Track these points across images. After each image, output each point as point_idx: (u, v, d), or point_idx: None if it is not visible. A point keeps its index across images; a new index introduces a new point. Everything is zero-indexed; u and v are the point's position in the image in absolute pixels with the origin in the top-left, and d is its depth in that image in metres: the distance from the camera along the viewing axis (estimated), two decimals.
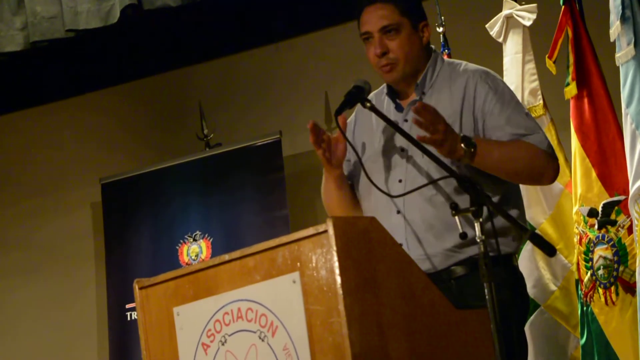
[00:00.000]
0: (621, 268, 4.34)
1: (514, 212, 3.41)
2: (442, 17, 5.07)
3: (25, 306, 6.68)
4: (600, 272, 4.39)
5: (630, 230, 4.31)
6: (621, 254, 4.35)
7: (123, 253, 6.17)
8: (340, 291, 2.76)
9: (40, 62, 6.41)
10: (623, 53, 4.18)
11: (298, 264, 2.86)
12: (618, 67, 4.23)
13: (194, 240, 6.02)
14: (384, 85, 3.60)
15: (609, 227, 4.40)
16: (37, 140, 6.87)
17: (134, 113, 6.72)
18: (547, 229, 4.68)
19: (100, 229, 6.38)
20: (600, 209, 4.42)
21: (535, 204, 4.69)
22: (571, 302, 4.63)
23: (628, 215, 4.27)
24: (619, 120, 4.40)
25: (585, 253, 4.45)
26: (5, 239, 6.80)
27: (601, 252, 4.40)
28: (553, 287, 4.67)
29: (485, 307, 2.96)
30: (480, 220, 3.02)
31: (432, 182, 3.30)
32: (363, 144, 3.56)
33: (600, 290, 4.38)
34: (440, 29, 5.06)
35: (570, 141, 4.59)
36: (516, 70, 4.83)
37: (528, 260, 4.66)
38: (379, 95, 3.61)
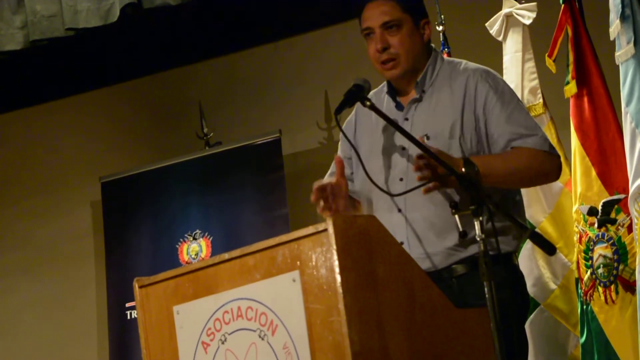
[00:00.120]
0: (621, 267, 4.34)
1: (513, 211, 3.42)
2: (442, 16, 5.08)
3: (26, 305, 6.68)
4: (600, 270, 4.39)
5: (630, 228, 4.30)
6: (621, 253, 4.35)
7: (123, 252, 6.18)
8: (340, 290, 2.76)
9: (40, 61, 6.40)
10: (623, 52, 4.18)
11: (298, 262, 2.86)
12: (618, 66, 4.22)
13: (194, 239, 6.02)
14: (384, 83, 3.60)
15: (608, 225, 4.40)
16: (36, 139, 6.87)
17: (134, 112, 6.72)
18: (547, 227, 4.68)
19: (100, 228, 6.39)
20: (600, 208, 4.42)
21: (535, 202, 4.69)
22: (571, 301, 4.63)
23: (628, 213, 4.27)
24: (618, 118, 4.40)
25: (585, 252, 4.45)
26: (5, 238, 6.80)
27: (601, 251, 4.40)
28: (553, 286, 4.67)
29: (485, 305, 2.96)
30: (480, 219, 3.02)
31: (433, 180, 3.30)
32: (364, 143, 3.56)
33: (600, 289, 4.38)
34: (440, 28, 5.06)
35: (570, 140, 4.59)
36: (516, 68, 4.83)
37: (528, 259, 4.66)
38: (378, 94, 3.61)
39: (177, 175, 6.11)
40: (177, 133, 6.53)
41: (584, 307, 4.44)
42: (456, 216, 3.12)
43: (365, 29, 3.49)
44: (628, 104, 4.16)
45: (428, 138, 3.35)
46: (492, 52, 4.99)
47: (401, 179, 3.42)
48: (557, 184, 4.69)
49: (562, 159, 4.59)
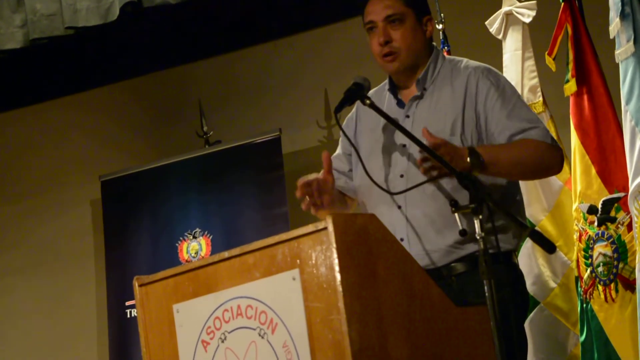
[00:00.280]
0: (621, 265, 4.34)
1: (513, 209, 3.42)
2: (442, 14, 5.07)
3: (25, 304, 6.68)
4: (600, 269, 4.39)
5: (629, 227, 4.30)
6: (621, 251, 4.35)
7: (123, 250, 6.17)
8: (340, 288, 2.76)
9: (39, 60, 6.40)
10: (622, 50, 4.17)
11: (298, 261, 2.86)
12: (618, 64, 4.22)
13: (194, 237, 6.02)
14: (385, 82, 3.60)
15: (608, 224, 4.40)
16: (36, 137, 6.87)
17: (134, 110, 6.72)
18: (546, 226, 4.68)
19: (99, 226, 6.38)
20: (600, 206, 4.42)
21: (535, 201, 4.69)
22: (571, 299, 4.63)
23: (628, 212, 4.27)
24: (618, 117, 4.40)
25: (585, 250, 4.45)
26: (5, 237, 6.80)
27: (601, 249, 4.40)
28: (553, 284, 4.67)
29: (485, 304, 2.96)
30: (480, 217, 3.02)
31: (433, 179, 3.30)
32: (365, 141, 3.56)
33: (600, 287, 4.38)
34: (440, 26, 5.06)
35: (570, 138, 4.59)
36: (516, 67, 4.83)
37: (528, 257, 4.66)
38: (380, 92, 3.61)
39: (177, 174, 6.11)
40: (176, 131, 6.53)
41: (584, 305, 4.44)
42: (456, 214, 3.12)
43: (368, 22, 3.50)
44: (628, 102, 4.16)
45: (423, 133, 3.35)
46: (492, 50, 4.99)
47: (402, 176, 3.42)
48: (557, 183, 4.69)
49: (564, 155, 4.62)
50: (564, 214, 4.67)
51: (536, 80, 4.81)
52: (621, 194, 4.36)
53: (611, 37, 4.23)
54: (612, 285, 4.35)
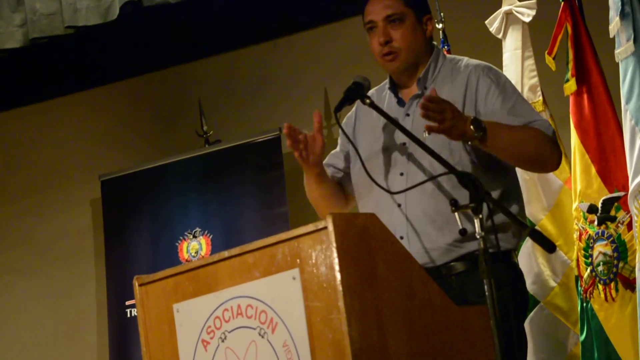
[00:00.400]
0: (621, 264, 4.34)
1: (513, 209, 3.42)
2: (442, 14, 5.08)
3: (25, 303, 6.68)
4: (600, 268, 4.39)
5: (629, 226, 4.30)
6: (621, 250, 4.35)
7: (123, 250, 6.17)
8: (340, 288, 2.76)
9: (39, 59, 6.40)
10: (622, 49, 4.17)
11: (298, 260, 2.86)
12: (617, 64, 4.22)
13: (194, 237, 6.02)
14: (386, 81, 3.60)
15: (608, 223, 4.40)
16: (36, 137, 6.86)
17: (134, 110, 6.72)
18: (546, 225, 4.68)
19: (99, 226, 6.38)
20: (599, 205, 4.42)
21: (534, 200, 4.69)
22: (571, 299, 4.63)
23: (628, 211, 4.27)
24: (618, 116, 4.40)
25: (585, 249, 4.45)
26: (5, 236, 6.80)
27: (601, 249, 4.40)
28: (553, 284, 4.67)
29: (485, 303, 2.96)
30: (480, 216, 3.02)
31: (432, 178, 3.31)
32: (365, 139, 3.56)
33: (600, 287, 4.38)
34: (440, 25, 5.06)
35: (569, 137, 4.59)
36: (515, 66, 4.83)
37: (528, 256, 4.66)
38: (380, 91, 3.61)
39: (177, 173, 6.11)
40: (176, 131, 6.53)
41: (584, 304, 4.44)
42: (456, 213, 3.12)
43: (368, 22, 3.50)
44: (628, 101, 4.16)
45: (429, 133, 3.35)
46: (492, 49, 4.99)
47: (401, 174, 3.42)
48: (557, 182, 4.69)
49: (562, 154, 4.62)
50: (564, 213, 4.67)
51: (536, 79, 4.81)
52: (621, 193, 4.35)
53: (611, 36, 4.23)
54: (612, 284, 4.35)
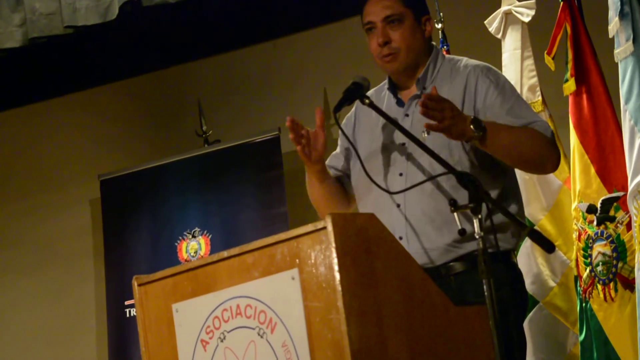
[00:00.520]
0: (620, 264, 4.34)
1: (512, 209, 3.42)
2: (441, 14, 5.08)
3: (24, 302, 6.68)
4: (599, 268, 4.39)
5: (629, 226, 4.30)
6: (620, 250, 4.35)
7: (122, 250, 6.17)
8: (339, 288, 2.76)
9: (38, 59, 6.40)
10: (622, 49, 4.18)
11: (297, 260, 2.86)
12: (617, 64, 4.22)
13: (193, 236, 6.02)
14: (385, 81, 3.60)
15: (607, 223, 4.40)
16: (35, 137, 6.86)
17: (133, 110, 6.72)
18: (545, 225, 4.68)
19: (99, 226, 6.38)
20: (599, 205, 4.42)
21: (534, 200, 4.69)
22: (570, 299, 4.63)
23: (627, 211, 4.27)
24: (617, 116, 4.40)
25: (584, 249, 4.45)
26: (4, 236, 6.80)
27: (600, 249, 4.40)
28: (552, 284, 4.67)
29: (484, 303, 2.96)
30: (479, 216, 3.02)
31: (431, 178, 3.31)
32: (364, 140, 3.56)
33: (599, 287, 4.38)
34: (439, 25, 5.06)
35: (569, 137, 4.59)
36: (515, 66, 4.83)
37: (527, 256, 4.66)
38: (379, 91, 3.61)
39: (176, 173, 6.11)
40: (176, 131, 6.53)
41: (583, 304, 4.44)
42: (455, 213, 3.12)
43: (367, 23, 3.50)
44: (627, 101, 4.16)
45: (428, 133, 3.36)
46: (491, 49, 4.99)
47: (401, 175, 3.42)
48: (556, 182, 4.69)
49: (561, 156, 4.62)
50: (563, 213, 4.67)
51: (535, 79, 4.81)
52: (620, 193, 4.35)
53: (610, 36, 4.23)
54: (612, 284, 4.35)
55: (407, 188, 3.33)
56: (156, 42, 6.43)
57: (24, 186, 6.82)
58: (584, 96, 4.53)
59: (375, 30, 3.48)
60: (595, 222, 4.42)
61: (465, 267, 3.33)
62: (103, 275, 6.26)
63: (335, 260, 2.77)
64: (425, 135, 3.34)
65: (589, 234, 4.43)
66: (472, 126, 3.22)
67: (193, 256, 5.98)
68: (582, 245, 4.46)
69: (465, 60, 3.56)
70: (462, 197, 3.10)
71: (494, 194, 3.36)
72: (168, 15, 6.02)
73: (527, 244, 4.63)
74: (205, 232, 6.00)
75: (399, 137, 3.44)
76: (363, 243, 2.84)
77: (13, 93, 6.73)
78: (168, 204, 6.10)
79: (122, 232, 6.20)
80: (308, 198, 3.69)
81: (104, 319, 6.21)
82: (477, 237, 3.00)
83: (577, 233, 4.49)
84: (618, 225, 4.37)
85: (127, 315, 6.01)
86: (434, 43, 3.60)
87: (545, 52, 4.65)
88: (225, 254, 3.02)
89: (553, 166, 3.47)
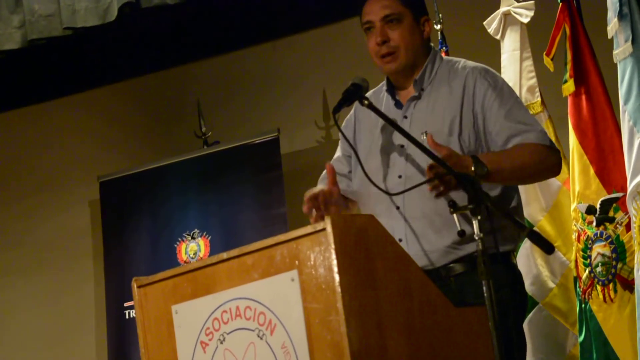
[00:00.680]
0: (619, 265, 4.34)
1: (512, 210, 3.42)
2: (440, 15, 5.08)
3: (24, 304, 6.68)
4: (599, 269, 4.39)
5: (628, 227, 4.31)
6: (619, 251, 4.35)
7: (121, 251, 6.17)
8: (338, 289, 2.76)
9: (38, 60, 6.40)
10: (621, 50, 4.18)
11: (296, 262, 2.86)
12: (616, 64, 4.23)
13: (192, 238, 6.02)
14: (383, 83, 3.60)
15: (607, 224, 4.40)
16: (35, 138, 6.87)
17: (132, 111, 6.72)
18: (545, 226, 4.68)
19: (98, 227, 6.38)
20: (598, 206, 4.42)
21: (533, 201, 4.69)
22: (569, 300, 4.63)
23: (626, 212, 4.27)
24: (616, 117, 4.40)
25: (584, 250, 4.45)
26: (4, 237, 6.80)
27: (599, 249, 4.40)
28: (551, 285, 4.67)
29: (483, 304, 2.96)
30: (479, 217, 3.02)
31: (430, 179, 3.30)
32: (364, 141, 3.56)
33: (599, 288, 4.38)
34: (438, 27, 5.06)
35: (568, 138, 4.59)
36: (514, 67, 4.83)
37: (526, 257, 4.66)
38: (377, 93, 3.61)
39: (175, 175, 6.11)
40: (175, 132, 6.53)
41: (583, 305, 4.44)
42: (454, 215, 3.12)
43: (366, 22, 3.50)
44: (626, 102, 4.16)
45: (427, 137, 3.35)
46: (490, 50, 4.99)
47: (400, 176, 3.42)
48: (555, 183, 4.69)
49: (562, 157, 4.62)
50: (562, 214, 4.67)
51: (534, 80, 4.81)
52: (619, 194, 4.36)
53: (609, 37, 4.23)
54: (611, 285, 4.35)
55: (407, 189, 3.33)
56: (155, 44, 6.43)
57: (23, 187, 6.82)
58: (583, 97, 4.53)
59: (373, 29, 3.48)
60: (594, 223, 4.42)
61: (465, 268, 3.33)
62: (102, 277, 6.26)
63: (335, 262, 2.77)
64: (424, 137, 3.34)
65: (588, 235, 4.44)
66: (473, 168, 3.23)
67: (192, 257, 5.98)
68: (581, 246, 4.46)
69: (463, 61, 3.56)
70: (462, 198, 3.10)
71: (493, 195, 3.36)
72: (167, 16, 6.03)
73: (526, 245, 4.63)
74: (204, 233, 6.00)
75: (397, 139, 3.44)
76: (362, 244, 2.84)
77: (12, 95, 6.73)
78: (167, 206, 6.10)
79: (121, 234, 6.19)
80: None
81: (104, 320, 6.21)
82: (476, 238, 2.99)
83: (577, 234, 4.49)
84: (617, 226, 4.37)
85: (127, 316, 6.01)
86: (432, 45, 3.60)
87: (544, 53, 4.65)
88: (224, 255, 3.02)
89: (557, 171, 3.50)
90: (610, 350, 4.33)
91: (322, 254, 2.80)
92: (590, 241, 4.43)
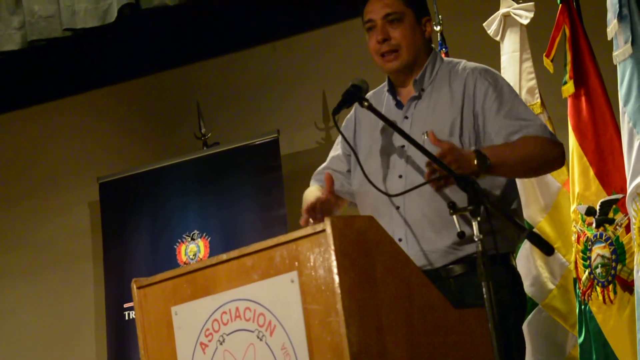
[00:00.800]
0: (619, 266, 4.34)
1: (511, 211, 3.42)
2: (440, 16, 5.08)
3: (23, 305, 6.68)
4: (598, 270, 4.39)
5: (627, 228, 4.30)
6: (619, 253, 4.35)
7: (121, 252, 6.17)
8: (338, 290, 2.76)
9: (37, 62, 6.40)
10: (620, 51, 4.18)
11: (296, 263, 2.86)
12: (615, 66, 4.23)
13: (192, 239, 6.02)
14: (385, 83, 3.60)
15: (606, 225, 4.40)
16: (34, 139, 6.87)
17: (132, 112, 6.72)
18: (544, 227, 4.68)
19: (98, 228, 6.38)
20: (598, 208, 4.42)
21: (533, 202, 4.69)
22: (569, 301, 4.63)
23: (626, 213, 4.27)
24: (616, 118, 4.40)
25: (583, 251, 4.45)
26: (4, 238, 6.80)
27: (599, 251, 4.40)
28: (551, 286, 4.67)
29: (483, 306, 2.96)
30: (478, 219, 3.02)
31: (431, 180, 3.30)
32: (364, 141, 3.56)
33: (598, 289, 4.38)
34: (438, 28, 5.06)
35: (568, 140, 4.59)
36: (514, 68, 4.83)
37: (526, 259, 4.66)
38: (379, 93, 3.61)
39: (175, 176, 6.11)
40: (175, 133, 6.53)
41: (582, 307, 4.44)
42: (454, 216, 3.12)
43: (368, 21, 3.51)
44: (626, 103, 4.16)
45: (428, 135, 3.36)
46: (490, 52, 4.99)
47: (400, 176, 3.42)
48: (555, 184, 4.69)
49: (564, 149, 4.62)
50: (562, 216, 4.67)
51: (534, 81, 4.81)
52: (619, 196, 4.36)
53: (609, 38, 4.23)
54: (611, 286, 4.35)
55: (406, 191, 3.33)
56: (155, 45, 6.43)
57: (22, 189, 6.82)
58: (583, 98, 4.53)
59: (375, 28, 3.49)
60: (594, 225, 4.42)
61: (464, 269, 3.33)
62: (102, 278, 6.26)
63: (335, 263, 2.77)
64: (425, 137, 3.34)
65: (587, 236, 4.43)
66: (476, 161, 3.23)
67: (192, 259, 5.98)
68: (581, 247, 4.46)
69: (463, 62, 3.56)
70: (462, 199, 3.10)
71: (492, 196, 3.36)
72: (167, 17, 6.03)
73: (526, 246, 4.63)
74: (204, 234, 6.00)
75: (398, 140, 3.44)
76: (362, 245, 2.84)
77: (12, 96, 6.73)
78: (167, 207, 6.10)
79: (121, 235, 6.20)
80: None
81: (103, 321, 6.21)
82: (476, 239, 3.00)
83: (576, 235, 4.49)
84: (617, 227, 4.37)
85: (127, 317, 6.01)
86: (432, 46, 3.60)
87: (544, 54, 4.66)
88: (224, 256, 3.02)
89: (561, 162, 3.48)
90: (610, 352, 4.32)
91: (322, 255, 2.80)
92: (590, 242, 4.43)
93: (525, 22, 4.80)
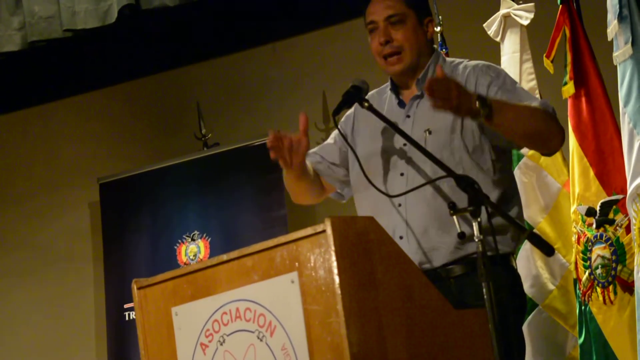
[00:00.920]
0: (619, 267, 4.34)
1: (512, 212, 3.42)
2: (440, 17, 5.08)
3: (24, 306, 6.68)
4: (599, 271, 4.39)
5: (628, 229, 4.30)
6: (619, 253, 4.35)
7: (121, 253, 6.18)
8: (338, 291, 2.76)
9: (38, 62, 6.40)
10: (620, 52, 4.18)
11: (296, 263, 2.86)
12: (615, 66, 4.23)
13: (192, 240, 6.02)
14: (388, 82, 3.60)
15: (607, 226, 4.40)
16: (35, 140, 6.87)
17: (132, 113, 6.72)
18: (545, 228, 4.68)
19: (98, 229, 6.38)
20: (598, 208, 4.42)
21: (533, 203, 4.69)
22: (569, 302, 4.63)
23: (626, 214, 4.27)
24: (616, 119, 4.40)
25: (584, 252, 4.45)
26: (4, 239, 6.80)
27: (599, 251, 4.40)
28: (551, 287, 4.67)
29: (483, 306, 2.96)
30: (479, 219, 3.02)
31: (431, 181, 3.31)
32: (364, 140, 3.56)
33: (599, 290, 4.38)
34: (438, 28, 5.06)
35: (568, 140, 4.59)
36: (514, 69, 4.83)
37: (526, 259, 4.66)
38: (381, 93, 3.62)
39: (175, 177, 6.11)
40: (175, 134, 6.53)
41: (583, 307, 4.44)
42: (455, 216, 3.12)
43: (370, 23, 3.51)
44: (626, 104, 4.16)
45: (430, 133, 3.36)
46: (490, 52, 4.99)
47: (402, 174, 3.42)
48: (555, 185, 4.69)
49: (560, 159, 4.63)
50: (562, 216, 4.67)
51: (534, 82, 4.81)
52: (619, 196, 4.36)
53: (609, 39, 4.24)
54: (611, 287, 4.35)
55: (407, 191, 3.33)
56: (155, 46, 6.44)
57: (23, 190, 6.82)
58: (583, 99, 4.53)
59: (377, 30, 3.49)
60: (594, 225, 4.42)
61: (464, 270, 3.33)
62: (102, 279, 6.26)
63: (335, 264, 2.77)
64: (428, 135, 3.34)
65: (588, 237, 4.43)
66: (477, 103, 3.21)
67: (192, 259, 5.98)
68: (581, 248, 4.46)
69: (465, 62, 3.57)
70: (462, 199, 3.10)
71: (493, 196, 3.36)
72: (167, 18, 6.03)
73: (526, 246, 4.63)
74: (204, 235, 6.00)
75: (399, 139, 3.44)
76: (363, 246, 2.84)
77: (12, 96, 6.74)
78: (167, 207, 6.10)
79: (121, 236, 6.20)
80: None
81: (104, 322, 6.21)
82: (476, 240, 3.00)
83: (576, 236, 4.49)
84: (617, 228, 4.37)
85: (127, 318, 6.01)
86: (434, 46, 3.60)
87: (544, 55, 4.66)
88: (224, 257, 3.02)
89: (558, 142, 3.43)
90: (610, 352, 4.32)
91: (322, 256, 2.80)
92: (590, 243, 4.43)
93: (525, 22, 4.80)
